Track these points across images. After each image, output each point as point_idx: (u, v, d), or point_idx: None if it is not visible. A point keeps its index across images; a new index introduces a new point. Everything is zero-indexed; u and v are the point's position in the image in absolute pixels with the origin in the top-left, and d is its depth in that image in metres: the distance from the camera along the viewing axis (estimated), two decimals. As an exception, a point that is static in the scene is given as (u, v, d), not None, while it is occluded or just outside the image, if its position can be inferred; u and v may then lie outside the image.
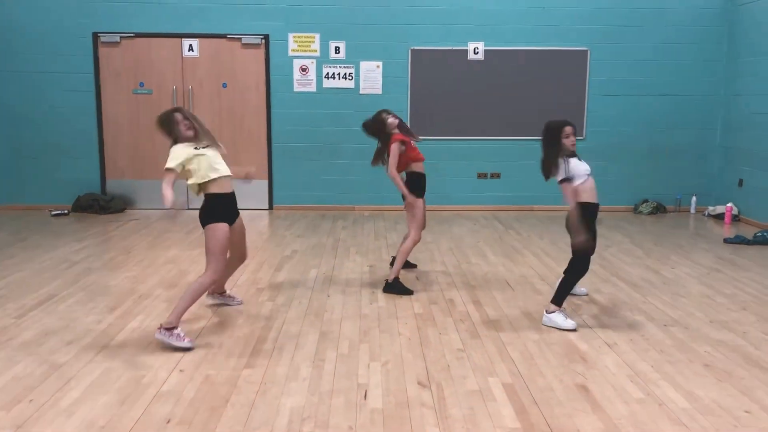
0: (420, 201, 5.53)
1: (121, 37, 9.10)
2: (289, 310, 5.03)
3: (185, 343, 4.21)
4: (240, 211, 4.69)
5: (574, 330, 4.58)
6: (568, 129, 4.62)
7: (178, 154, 4.34)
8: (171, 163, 4.30)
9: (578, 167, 4.61)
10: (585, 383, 3.76)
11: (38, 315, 4.85)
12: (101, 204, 9.07)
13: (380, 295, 5.42)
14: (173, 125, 4.41)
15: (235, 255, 4.84)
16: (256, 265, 6.34)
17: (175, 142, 4.43)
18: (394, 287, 5.49)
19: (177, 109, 4.49)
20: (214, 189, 4.43)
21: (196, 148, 4.39)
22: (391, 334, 4.54)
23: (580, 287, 5.42)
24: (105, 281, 5.79)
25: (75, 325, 4.65)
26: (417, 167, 5.57)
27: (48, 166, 9.29)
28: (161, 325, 4.28)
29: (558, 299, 4.71)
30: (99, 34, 9.08)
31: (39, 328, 4.57)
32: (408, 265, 6.17)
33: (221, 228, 4.37)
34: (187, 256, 6.72)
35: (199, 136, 4.43)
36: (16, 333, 4.48)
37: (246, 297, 5.34)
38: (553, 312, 4.69)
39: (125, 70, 9.19)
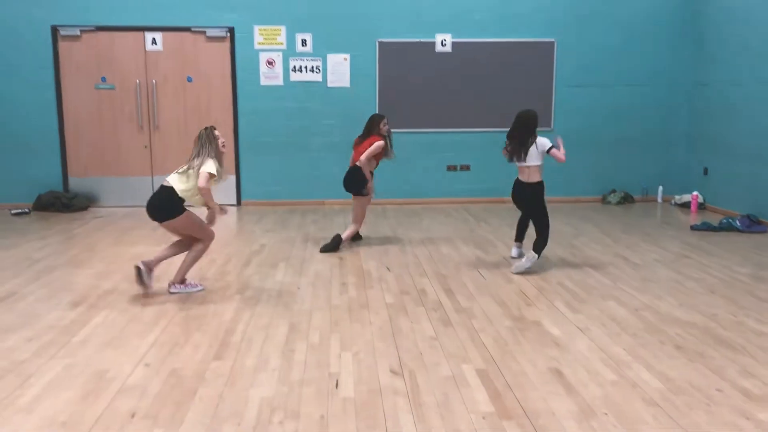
0: (370, 197, 6.54)
1: (81, 30, 8.87)
2: (258, 302, 4.94)
3: (198, 288, 5.20)
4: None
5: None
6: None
7: (215, 168, 4.99)
8: (213, 169, 4.96)
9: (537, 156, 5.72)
10: (558, 367, 3.74)
11: (-3, 313, 4.68)
12: (63, 202, 8.84)
13: (351, 287, 5.35)
14: (211, 138, 5.05)
15: (184, 243, 5.25)
16: (224, 259, 6.22)
17: (211, 154, 5.03)
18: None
19: (215, 128, 5.17)
20: (187, 199, 5.09)
21: (217, 169, 5.04)
22: (362, 323, 4.47)
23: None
24: (68, 278, 5.62)
25: (36, 321, 4.49)
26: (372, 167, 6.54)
27: (7, 164, 9.01)
28: (171, 282, 5.14)
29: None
30: (58, 27, 8.84)
31: (-3, 326, 4.41)
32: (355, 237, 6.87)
33: (186, 216, 5.08)
34: (152, 252, 6.49)
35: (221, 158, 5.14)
36: (-27, 331, 4.31)
37: (213, 290, 5.23)
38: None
39: (86, 64, 8.97)
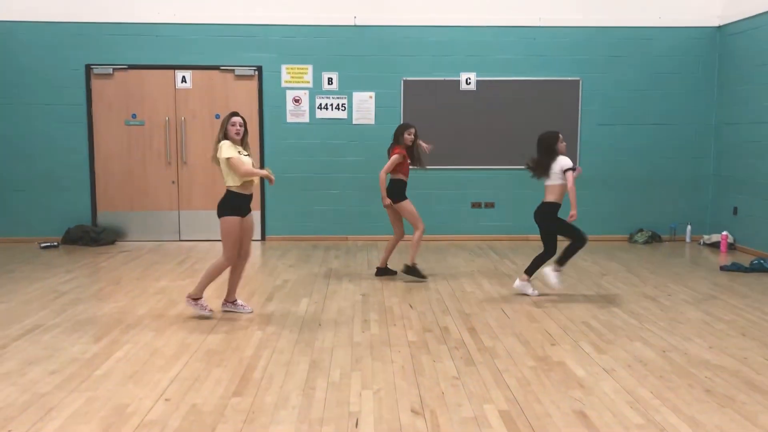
0: (405, 202, 6.75)
1: (113, 68, 9.11)
2: (279, 338, 4.92)
3: (206, 312, 5.35)
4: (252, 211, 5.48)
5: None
6: (561, 137, 6.14)
7: (229, 148, 5.14)
8: (229, 152, 5.10)
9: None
10: (583, 409, 3.65)
11: (22, 345, 4.72)
12: (92, 236, 8.97)
13: (373, 324, 5.32)
14: (227, 124, 5.22)
15: (239, 252, 5.37)
16: (247, 295, 6.23)
17: (220, 138, 5.21)
18: (413, 271, 6.77)
19: (236, 113, 5.30)
20: (239, 189, 5.23)
21: (239, 152, 5.20)
22: (383, 362, 4.43)
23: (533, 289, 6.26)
24: (92, 311, 5.67)
25: (59, 354, 4.52)
26: (402, 176, 6.75)
27: (38, 198, 9.20)
28: (188, 294, 5.40)
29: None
30: (92, 66, 9.09)
31: (22, 358, 4.44)
32: (387, 272, 7.03)
33: (232, 221, 5.22)
34: (176, 286, 6.61)
35: (243, 142, 5.30)
36: (-3, 363, 4.35)
37: (236, 325, 5.23)
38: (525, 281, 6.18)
39: (118, 101, 9.18)
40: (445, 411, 3.63)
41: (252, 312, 5.60)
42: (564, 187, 5.97)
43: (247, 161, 5.25)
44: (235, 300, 5.62)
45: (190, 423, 3.46)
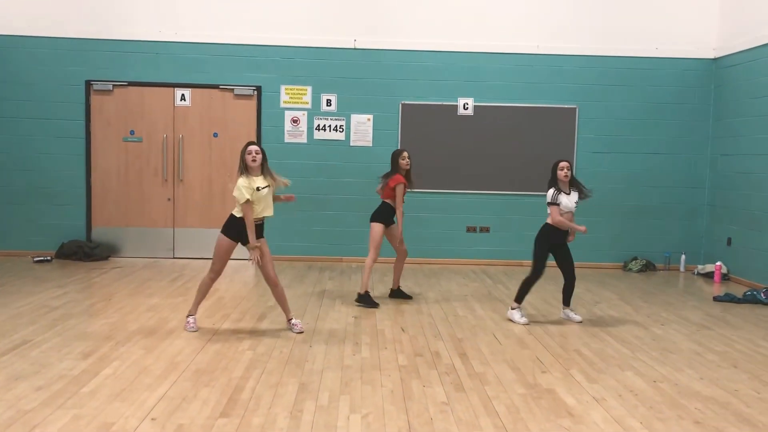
0: (379, 226, 6.72)
1: (113, 85, 9.16)
2: (269, 359, 4.89)
3: (189, 328, 5.51)
4: (236, 254, 5.70)
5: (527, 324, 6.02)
6: (562, 164, 6.11)
7: (244, 189, 5.22)
8: (243, 196, 5.21)
9: (564, 200, 6.02)
10: (572, 439, 3.63)
11: (10, 360, 4.69)
12: (85, 251, 8.95)
13: (364, 347, 5.29)
14: (243, 153, 5.34)
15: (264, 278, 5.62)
16: (239, 315, 6.21)
17: (241, 169, 5.32)
18: (364, 299, 6.65)
19: (252, 143, 5.47)
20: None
21: (257, 188, 5.30)
22: (373, 385, 4.40)
23: (575, 314, 6.32)
24: (83, 327, 5.64)
25: (46, 370, 4.49)
26: (391, 201, 6.76)
27: (33, 212, 9.20)
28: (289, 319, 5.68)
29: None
30: (92, 82, 9.14)
31: (9, 374, 4.41)
32: (402, 295, 7.09)
33: (223, 240, 5.40)
34: (168, 304, 6.59)
35: (264, 169, 5.39)
36: (-16, 378, 4.32)
37: (226, 345, 5.20)
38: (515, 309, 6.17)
39: (116, 117, 9.22)
40: (433, 437, 3.60)
41: (302, 332, 5.64)
42: (565, 216, 6.05)
43: (263, 194, 5.37)
44: (290, 318, 5.75)
45: (175, 443, 3.43)
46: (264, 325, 5.90)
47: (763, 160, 8.29)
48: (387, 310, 6.56)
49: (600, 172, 9.46)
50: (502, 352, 5.27)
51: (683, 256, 9.48)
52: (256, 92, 9.28)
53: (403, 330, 5.84)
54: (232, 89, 9.25)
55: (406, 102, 9.33)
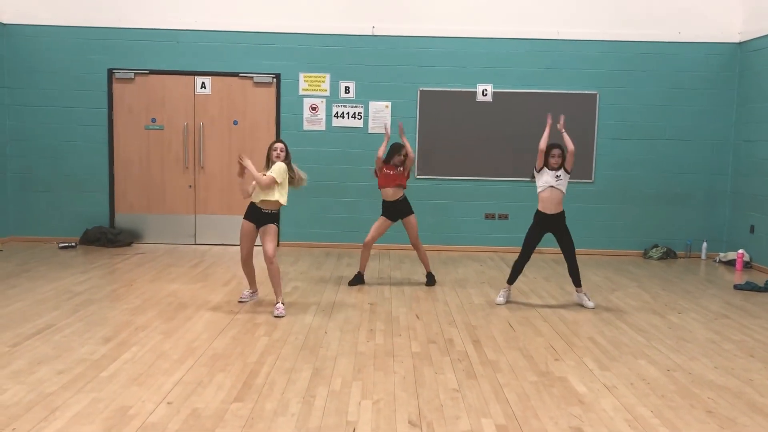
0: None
1: (135, 73, 9.27)
2: (284, 345, 4.97)
3: (277, 312, 5.81)
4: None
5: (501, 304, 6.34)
6: (553, 150, 6.44)
7: (282, 172, 5.90)
8: (281, 174, 5.88)
9: (541, 177, 6.45)
10: (581, 426, 3.65)
11: (33, 344, 4.82)
12: (109, 237, 9.11)
13: (378, 334, 5.35)
14: (269, 149, 6.00)
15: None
16: (256, 302, 6.29)
17: (267, 161, 6.00)
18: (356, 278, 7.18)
19: (279, 140, 6.10)
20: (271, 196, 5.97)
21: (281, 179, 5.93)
22: (385, 372, 4.45)
23: (589, 300, 6.36)
24: (104, 312, 5.77)
25: (68, 355, 4.61)
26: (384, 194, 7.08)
27: (58, 199, 9.38)
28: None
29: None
30: (114, 71, 9.26)
31: (32, 357, 4.54)
32: (432, 280, 7.27)
33: (243, 224, 6.04)
34: (188, 289, 6.70)
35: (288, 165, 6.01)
36: (8, 361, 4.45)
37: (242, 331, 5.29)
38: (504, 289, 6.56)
39: (138, 105, 9.33)
40: (443, 424, 3.65)
41: (247, 302, 6.24)
42: (544, 193, 6.42)
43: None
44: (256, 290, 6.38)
45: (189, 427, 3.52)
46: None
47: (787, 146, 8.15)
48: (403, 298, 6.60)
49: (621, 159, 9.37)
50: (516, 339, 5.29)
51: (705, 244, 9.37)
52: (275, 80, 9.33)
53: (418, 317, 5.88)
54: (252, 77, 9.31)
55: (425, 89, 9.32)
